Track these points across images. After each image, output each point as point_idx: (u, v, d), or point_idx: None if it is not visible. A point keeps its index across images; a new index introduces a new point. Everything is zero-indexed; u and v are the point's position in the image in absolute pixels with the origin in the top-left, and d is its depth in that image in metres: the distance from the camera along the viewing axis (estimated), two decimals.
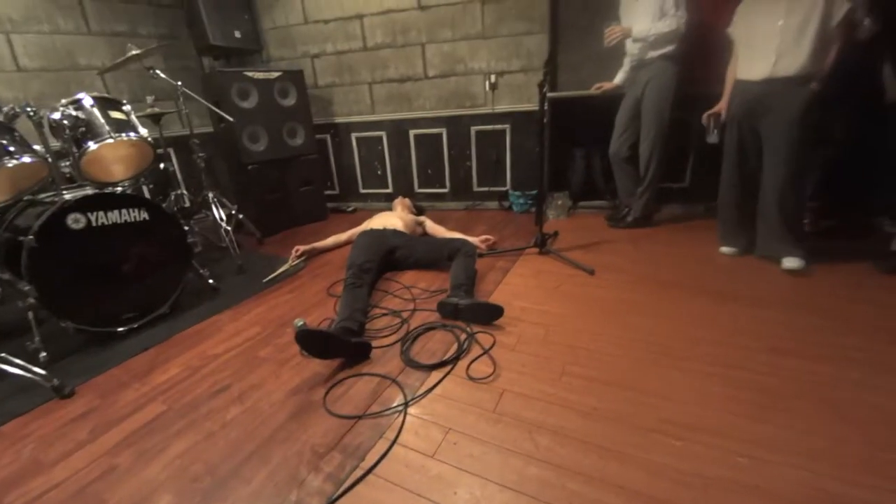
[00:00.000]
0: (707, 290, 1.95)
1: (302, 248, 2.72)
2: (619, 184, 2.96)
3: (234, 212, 3.04)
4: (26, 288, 1.61)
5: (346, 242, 2.88)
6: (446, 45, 3.39)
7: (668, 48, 2.53)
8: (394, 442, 1.20)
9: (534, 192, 3.43)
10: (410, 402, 1.35)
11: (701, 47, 2.55)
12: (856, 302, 1.78)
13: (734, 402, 1.27)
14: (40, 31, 2.87)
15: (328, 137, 3.94)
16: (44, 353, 1.67)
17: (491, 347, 1.61)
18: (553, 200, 3.29)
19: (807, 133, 1.99)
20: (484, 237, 2.62)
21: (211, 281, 2.31)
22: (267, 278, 2.43)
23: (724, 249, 2.37)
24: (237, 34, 3.45)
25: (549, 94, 3.09)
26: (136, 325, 1.94)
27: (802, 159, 2.04)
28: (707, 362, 1.45)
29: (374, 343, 1.68)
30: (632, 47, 2.66)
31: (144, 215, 1.95)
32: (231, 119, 2.72)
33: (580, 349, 1.58)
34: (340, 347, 1.55)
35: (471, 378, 1.45)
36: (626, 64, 2.78)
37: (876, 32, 2.04)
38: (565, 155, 3.35)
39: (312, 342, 1.49)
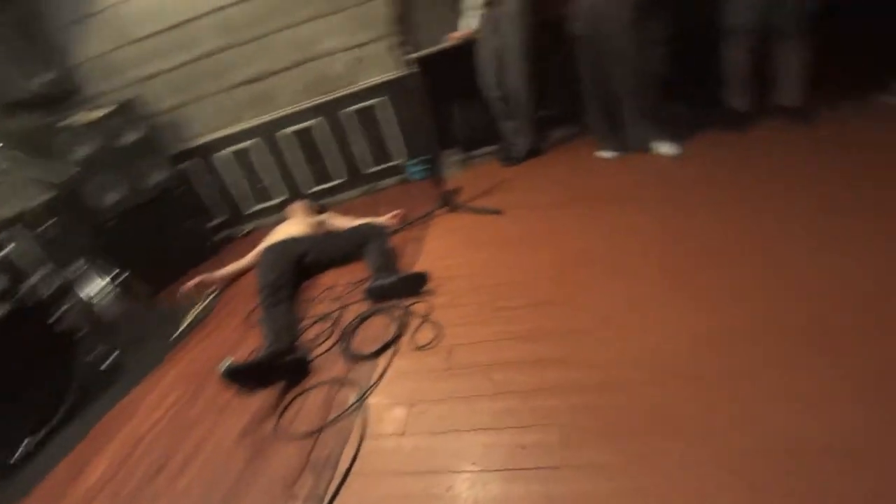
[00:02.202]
0: (599, 197, 2.12)
1: (199, 279, 2.47)
2: (501, 124, 3.05)
3: (112, 276, 2.66)
4: None
5: (249, 267, 2.65)
6: (290, 31, 3.16)
7: None
8: (362, 438, 1.17)
9: (428, 156, 3.42)
10: (366, 394, 1.32)
11: None
12: (724, 166, 2.05)
13: (640, 285, 1.40)
14: None
15: (193, 164, 3.55)
16: None
17: (428, 313, 1.60)
18: (447, 158, 3.31)
19: (643, 29, 2.21)
20: (392, 214, 2.57)
21: (107, 363, 2.02)
22: (174, 334, 2.19)
23: (604, 154, 2.56)
24: (41, 80, 2.92)
25: (414, 55, 3.06)
26: (33, 447, 1.65)
27: (647, 52, 2.26)
28: (609, 261, 1.59)
29: (313, 353, 1.60)
30: None
31: None
32: (62, 179, 2.33)
33: (506, 284, 1.65)
34: (276, 372, 1.45)
35: (418, 347, 1.45)
36: (473, 7, 2.79)
37: None
38: (446, 110, 3.35)
39: (245, 377, 1.38)
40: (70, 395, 1.81)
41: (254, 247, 2.75)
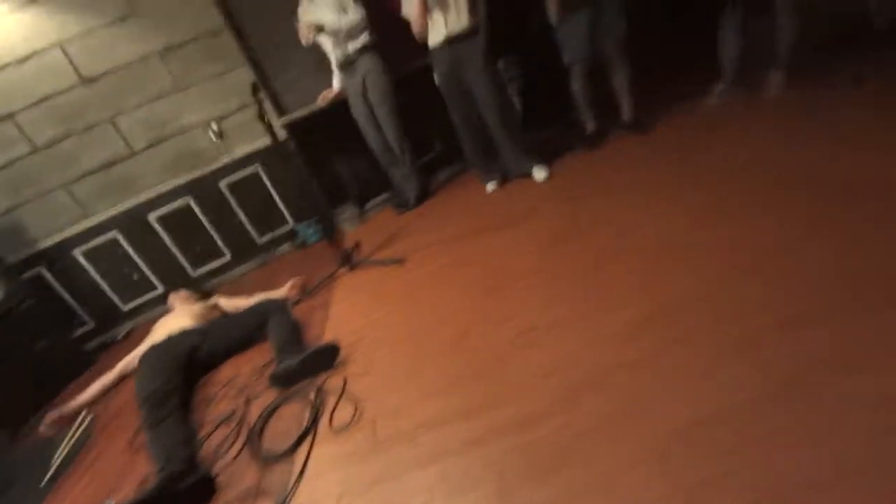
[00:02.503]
0: (493, 225, 2.25)
1: (57, 413, 2.07)
2: (391, 174, 3.10)
3: None
4: None
5: (119, 379, 2.27)
6: (141, 110, 2.93)
7: (364, 38, 2.69)
8: None
9: (317, 216, 3.32)
10: (287, 501, 1.16)
11: (391, 32, 2.79)
12: (590, 179, 2.32)
13: (547, 297, 1.50)
14: None
15: (43, 269, 3.03)
16: None
17: (343, 388, 1.50)
18: (340, 215, 3.25)
19: (496, 70, 2.51)
20: (290, 283, 2.42)
21: None
22: (45, 478, 1.77)
23: (489, 186, 2.72)
24: None
25: (282, 120, 3.02)
26: None
27: (504, 90, 2.55)
28: (509, 286, 1.67)
29: (217, 466, 1.38)
30: (334, 50, 2.73)
31: None
32: None
33: (416, 334, 1.63)
34: (175, 501, 1.22)
35: (337, 431, 1.33)
36: (335, 67, 2.86)
37: None
38: (329, 167, 3.32)
39: None
40: None
41: (134, 348, 2.38)
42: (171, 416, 1.57)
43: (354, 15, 2.61)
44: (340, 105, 2.93)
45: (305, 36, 2.58)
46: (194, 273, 3.29)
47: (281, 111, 3.09)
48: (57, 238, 3.02)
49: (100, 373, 2.44)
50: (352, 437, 1.29)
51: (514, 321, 1.45)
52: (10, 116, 2.79)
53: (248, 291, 2.57)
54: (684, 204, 1.72)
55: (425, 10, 2.33)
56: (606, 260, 1.58)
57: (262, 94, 2.25)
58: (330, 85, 2.95)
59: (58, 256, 3.04)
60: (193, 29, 2.89)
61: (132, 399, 2.10)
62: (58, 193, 2.96)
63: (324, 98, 2.98)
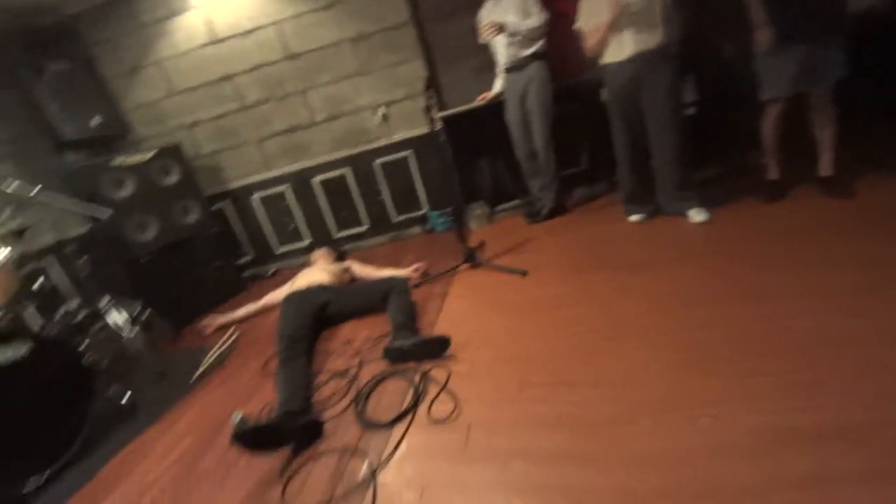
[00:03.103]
0: (631, 263, 2.06)
1: (219, 321, 2.59)
2: (530, 181, 3.08)
3: (137, 312, 2.71)
4: None
5: (264, 308, 2.74)
6: (327, 87, 3.35)
7: (538, 46, 2.70)
8: None
9: (449, 208, 3.47)
10: (377, 470, 1.25)
11: (558, 42, 2.77)
12: (758, 235, 2.00)
13: (684, 367, 1.32)
14: None
15: (226, 205, 3.69)
16: None
17: (447, 382, 1.55)
18: (471, 212, 3.34)
19: (679, 96, 2.28)
20: (414, 266, 2.57)
21: (126, 399, 2.02)
22: (193, 377, 2.18)
23: (633, 218, 2.54)
24: (94, 123, 3.13)
25: (440, 114, 3.20)
26: (44, 480, 1.63)
27: (682, 120, 2.30)
28: (650, 336, 1.51)
29: (326, 414, 1.55)
30: (505, 51, 2.79)
31: (22, 351, 1.66)
32: (104, 216, 2.43)
33: (532, 357, 1.57)
34: (287, 435, 1.40)
35: (434, 421, 1.38)
36: (501, 70, 2.93)
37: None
38: (471, 165, 3.43)
39: (255, 440, 1.33)
40: (86, 428, 1.79)
41: (277, 287, 2.79)
42: (299, 357, 1.81)
43: (536, 20, 2.62)
44: (496, 107, 3.00)
45: (488, 33, 2.65)
46: (336, 234, 3.70)
47: (441, 105, 3.27)
48: (242, 182, 3.64)
49: (249, 299, 2.92)
50: (445, 433, 1.33)
51: (621, 389, 1.30)
52: (230, 77, 3.41)
53: (377, 264, 2.80)
54: (885, 302, 1.34)
55: (609, 27, 2.22)
56: (746, 347, 1.33)
57: (433, 90, 2.37)
58: (489, 88, 3.02)
59: (240, 197, 3.68)
60: (381, 21, 3.19)
61: (271, 330, 2.46)
62: (250, 146, 3.56)
63: (482, 98, 3.07)
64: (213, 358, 2.32)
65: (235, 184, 3.65)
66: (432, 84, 2.26)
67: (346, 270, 2.78)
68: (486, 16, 2.73)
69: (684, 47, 2.24)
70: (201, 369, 2.23)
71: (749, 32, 2.14)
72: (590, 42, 2.35)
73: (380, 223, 3.66)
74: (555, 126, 2.83)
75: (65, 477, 1.66)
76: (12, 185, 2.16)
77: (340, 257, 2.98)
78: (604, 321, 1.67)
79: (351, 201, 3.61)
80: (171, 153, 3.16)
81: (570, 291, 1.97)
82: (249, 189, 3.65)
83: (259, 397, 1.84)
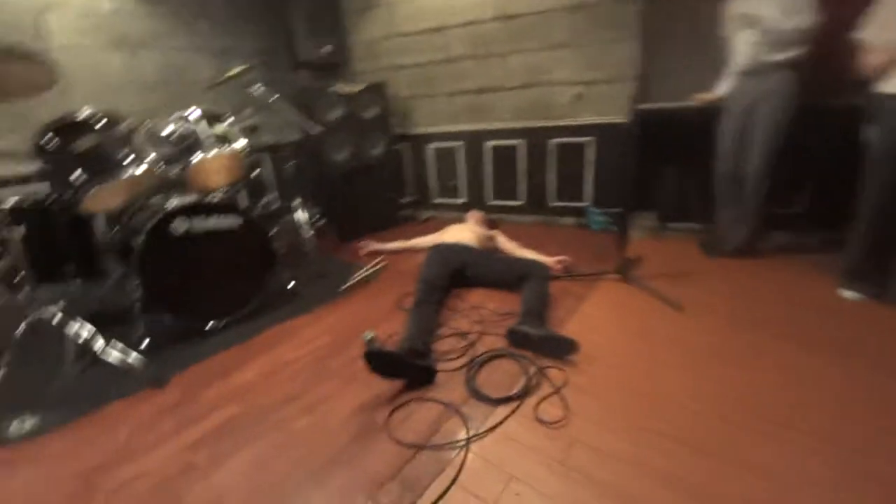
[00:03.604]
0: (818, 342, 1.66)
1: (373, 246, 2.96)
2: (721, 206, 2.65)
3: (316, 216, 3.19)
4: (134, 284, 1.79)
5: (411, 248, 2.98)
6: (530, 54, 3.29)
7: (795, 52, 2.20)
8: (453, 481, 1.15)
9: (615, 209, 3.21)
10: (473, 439, 1.29)
11: (815, 48, 2.21)
12: None
13: (843, 490, 1.05)
14: (160, 48, 3.20)
15: (405, 147, 4.01)
16: (147, 340, 1.87)
17: (562, 386, 1.49)
18: (637, 220, 3.05)
19: None
20: (559, 258, 2.48)
21: (292, 284, 2.43)
22: (343, 286, 2.50)
23: (849, 294, 2.01)
24: (325, 50, 3.63)
25: (641, 105, 2.89)
26: (223, 324, 2.09)
27: None
28: (812, 435, 1.23)
29: (439, 366, 1.64)
30: (748, 51, 2.35)
31: (237, 222, 2.10)
32: (316, 131, 2.86)
33: (662, 401, 1.41)
34: (406, 369, 1.53)
35: (539, 420, 1.36)
36: (732, 71, 2.49)
37: None
38: (653, 172, 3.09)
39: (380, 362, 1.49)
40: (258, 297, 2.22)
41: (426, 233, 3.00)
42: (433, 304, 1.93)
43: (805, 20, 2.13)
44: (709, 112, 2.58)
45: (735, 25, 2.27)
46: (490, 201, 3.76)
47: (643, 96, 2.96)
48: (425, 130, 3.90)
49: (401, 236, 3.20)
50: (546, 437, 1.29)
51: (759, 481, 1.09)
52: (443, 29, 3.56)
53: (520, 242, 2.78)
54: None
55: None
56: None
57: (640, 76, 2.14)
58: (704, 88, 2.60)
59: (418, 143, 3.96)
60: None
61: (413, 270, 2.66)
62: (441, 98, 3.75)
63: (699, 99, 2.66)
64: (361, 276, 2.62)
65: (418, 130, 3.92)
66: (643, 72, 2.04)
67: (492, 239, 2.82)
68: (740, 4, 2.31)
69: None
70: (351, 282, 2.55)
71: None
72: (875, 60, 1.83)
73: (536, 203, 3.59)
74: (779, 153, 2.34)
75: (233, 329, 2.10)
76: (259, 90, 2.66)
77: (492, 225, 3.03)
78: (758, 396, 1.39)
79: (514, 173, 3.59)
80: (377, 90, 3.52)
81: (728, 347, 1.68)
82: (428, 138, 3.89)
83: (388, 325, 2.03)
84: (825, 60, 2.22)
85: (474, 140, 3.68)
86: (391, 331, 1.97)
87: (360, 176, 3.51)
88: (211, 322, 2.07)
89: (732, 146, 2.47)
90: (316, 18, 3.58)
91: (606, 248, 2.90)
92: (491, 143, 3.61)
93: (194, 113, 2.22)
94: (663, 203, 3.11)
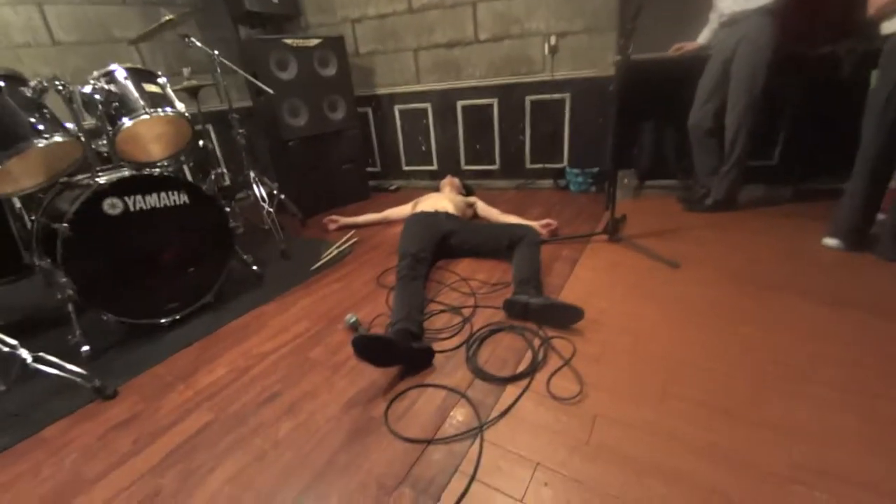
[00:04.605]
0: (817, 292, 1.63)
1: (342, 221, 2.77)
2: (698, 161, 2.60)
3: (275, 191, 2.88)
4: (63, 280, 1.49)
5: (384, 220, 2.79)
6: (500, 2, 3.03)
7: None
8: (472, 478, 1.01)
9: (594, 169, 3.11)
10: (486, 426, 1.16)
11: None
12: None
13: (877, 443, 1.01)
14: (72, 2, 2.70)
15: (369, 110, 3.70)
16: (86, 348, 1.59)
17: (571, 358, 1.38)
18: (619, 179, 2.95)
19: None
20: (545, 222, 2.35)
21: (255, 267, 2.17)
22: (314, 266, 2.27)
23: (831, 242, 2.00)
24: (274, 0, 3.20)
25: (617, 58, 2.74)
26: (178, 317, 1.83)
27: None
28: (837, 388, 1.18)
29: (436, 346, 1.48)
30: (730, 2, 2.24)
31: (184, 199, 1.80)
32: (271, 91, 2.52)
33: (680, 364, 1.33)
34: (401, 354, 1.36)
35: (554, 397, 1.24)
36: (714, 21, 2.38)
37: None
38: (632, 128, 2.98)
39: (370, 348, 1.30)
40: (216, 284, 1.95)
41: (397, 204, 2.79)
42: (419, 279, 1.75)
43: None
44: (689, 63, 2.47)
45: None
46: (463, 166, 3.56)
47: (621, 48, 2.80)
48: (389, 90, 3.59)
49: (369, 208, 2.96)
50: (565, 415, 1.17)
51: (795, 439, 1.03)
52: None
53: (503, 208, 2.63)
54: None
55: None
56: None
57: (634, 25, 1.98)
58: (688, 39, 2.49)
59: (383, 105, 3.65)
60: None
61: (389, 242, 2.45)
62: (407, 55, 3.44)
63: (678, 49, 2.55)
64: (333, 254, 2.39)
65: (383, 90, 3.61)
66: (638, 16, 1.88)
67: (471, 206, 2.65)
68: None
69: None
70: (322, 261, 2.31)
71: None
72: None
73: (512, 166, 3.42)
74: (758, 103, 2.27)
75: (192, 322, 1.84)
76: (197, 46, 2.28)
77: (468, 191, 2.85)
78: (775, 352, 1.34)
79: (490, 135, 3.39)
80: (333, 45, 3.15)
81: (732, 302, 1.62)
82: (393, 98, 3.59)
83: (372, 306, 1.85)
84: (803, 8, 2.15)
85: (444, 100, 3.42)
86: (375, 312, 1.79)
87: (320, 143, 3.19)
88: (165, 316, 1.80)
89: (712, 95, 2.39)
90: None
91: (588, 209, 2.82)
92: (463, 103, 3.37)
93: (118, 71, 1.85)
94: (641, 160, 3.03)
